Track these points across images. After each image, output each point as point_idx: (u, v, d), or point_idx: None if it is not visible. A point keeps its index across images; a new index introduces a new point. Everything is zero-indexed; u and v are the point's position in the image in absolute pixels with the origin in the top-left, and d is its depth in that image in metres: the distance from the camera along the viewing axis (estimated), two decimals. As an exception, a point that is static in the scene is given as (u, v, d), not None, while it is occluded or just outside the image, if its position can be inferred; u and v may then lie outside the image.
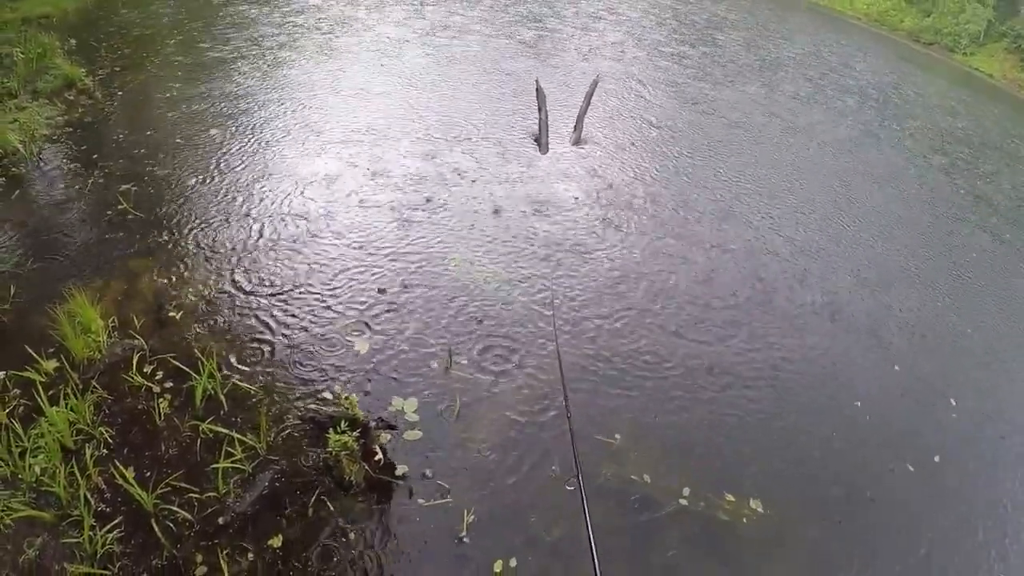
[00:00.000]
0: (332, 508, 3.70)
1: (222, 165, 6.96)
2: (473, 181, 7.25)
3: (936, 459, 5.09)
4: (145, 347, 4.46)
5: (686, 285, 6.24)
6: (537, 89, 8.98)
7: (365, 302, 5.23)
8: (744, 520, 4.14)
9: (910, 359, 6.11)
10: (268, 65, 9.93)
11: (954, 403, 5.75)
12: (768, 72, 14.64)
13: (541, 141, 8.24)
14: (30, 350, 4.28)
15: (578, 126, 8.78)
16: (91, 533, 3.43)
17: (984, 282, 8.00)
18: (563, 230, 6.69)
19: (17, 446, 3.79)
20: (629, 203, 7.46)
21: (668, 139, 9.54)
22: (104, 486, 3.69)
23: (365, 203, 6.56)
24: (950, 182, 11.15)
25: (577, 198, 7.30)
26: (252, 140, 7.59)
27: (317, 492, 3.75)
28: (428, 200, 6.70)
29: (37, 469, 3.74)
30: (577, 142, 8.58)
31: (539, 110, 8.66)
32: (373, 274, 5.57)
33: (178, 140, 7.29)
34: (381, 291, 5.25)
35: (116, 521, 3.52)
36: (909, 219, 9.16)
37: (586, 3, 17.29)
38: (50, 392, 3.99)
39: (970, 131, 14.59)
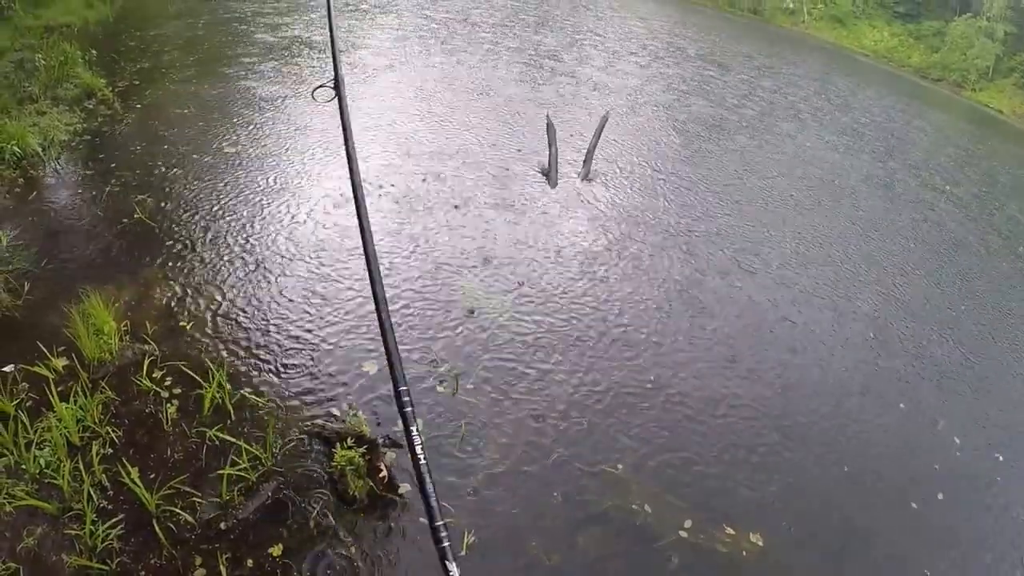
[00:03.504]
0: (334, 521, 3.98)
1: (236, 181, 7.50)
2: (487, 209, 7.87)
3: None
4: (156, 353, 4.84)
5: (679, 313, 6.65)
6: (548, 124, 9.69)
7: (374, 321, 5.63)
8: (743, 553, 4.45)
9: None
10: (284, 87, 10.65)
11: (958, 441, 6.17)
12: (778, 114, 15.50)
13: (551, 175, 8.85)
14: (41, 346, 4.67)
15: (587, 161, 9.40)
16: (92, 527, 3.72)
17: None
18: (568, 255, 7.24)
19: (23, 438, 4.13)
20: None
21: (674, 182, 10.18)
22: (108, 484, 4.00)
23: (382, 226, 7.09)
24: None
25: (581, 232, 7.89)
26: (266, 158, 8.17)
27: (320, 505, 4.04)
28: (452, 211, 7.33)
29: (42, 461, 4.07)
30: (586, 177, 9.19)
31: (549, 145, 9.33)
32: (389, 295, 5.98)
33: (194, 155, 7.86)
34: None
35: (118, 518, 3.81)
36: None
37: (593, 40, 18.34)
38: (59, 389, 4.35)
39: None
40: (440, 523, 1.83)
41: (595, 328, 6.22)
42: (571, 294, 6.68)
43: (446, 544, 1.84)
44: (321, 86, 3.14)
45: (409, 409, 2.01)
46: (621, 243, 7.85)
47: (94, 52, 10.92)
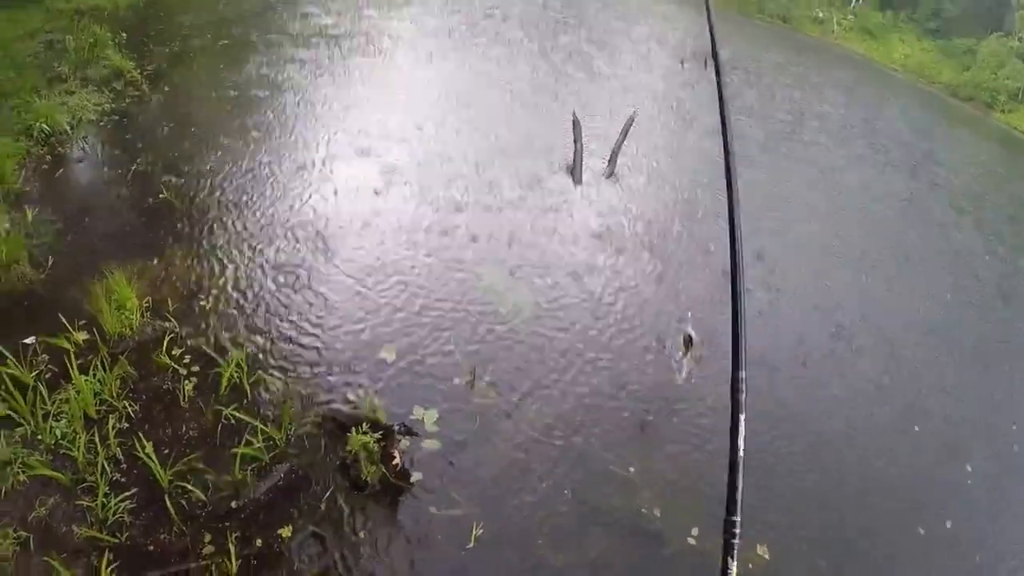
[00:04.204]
0: (345, 505, 4.03)
1: (261, 165, 7.58)
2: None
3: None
4: (176, 330, 4.92)
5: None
6: (574, 122, 9.82)
7: (395, 310, 5.70)
8: (749, 565, 4.40)
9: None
10: (313, 75, 10.77)
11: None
12: (806, 125, 15.34)
13: (575, 172, 9.02)
14: (63, 319, 4.75)
15: (612, 160, 9.61)
16: (104, 500, 3.78)
17: None
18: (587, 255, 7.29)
19: (41, 408, 4.21)
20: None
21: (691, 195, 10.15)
22: (122, 457, 4.07)
23: (400, 223, 7.12)
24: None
25: (603, 231, 7.92)
26: (292, 144, 8.26)
27: (332, 488, 4.09)
28: (459, 210, 7.35)
29: (58, 433, 4.14)
30: (610, 175, 9.42)
31: (574, 142, 9.49)
32: (408, 284, 6.08)
33: (221, 138, 7.95)
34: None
35: (130, 492, 3.88)
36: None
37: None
38: (79, 362, 4.43)
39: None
40: (736, 518, 1.83)
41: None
42: (580, 286, 6.78)
43: (736, 541, 1.83)
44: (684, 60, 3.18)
45: (743, 396, 1.98)
46: (635, 242, 7.90)
47: (124, 35, 11.11)
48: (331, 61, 11.41)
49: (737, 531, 1.92)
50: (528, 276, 6.66)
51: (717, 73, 2.90)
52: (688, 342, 6.38)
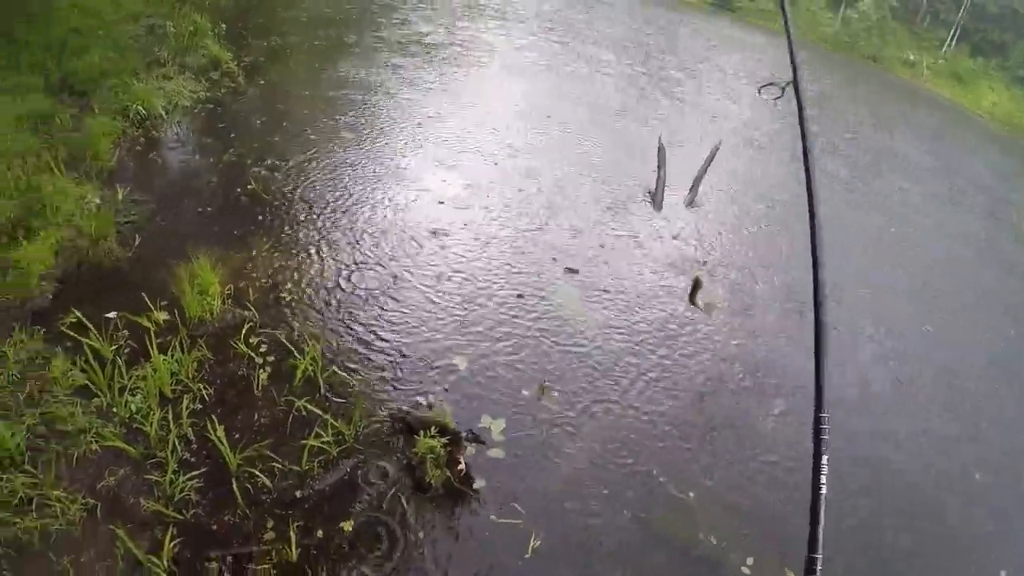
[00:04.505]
0: (407, 505, 4.44)
1: (350, 165, 8.40)
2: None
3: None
4: (255, 319, 5.52)
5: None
6: (659, 147, 10.42)
7: (469, 320, 6.21)
8: None
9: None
10: (406, 81, 11.76)
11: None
12: (886, 163, 15.30)
13: (656, 197, 9.63)
14: (146, 298, 5.44)
15: (694, 188, 10.17)
16: (173, 476, 4.29)
17: None
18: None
19: (118, 382, 4.84)
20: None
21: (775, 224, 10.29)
22: (193, 438, 4.60)
23: (479, 235, 7.69)
24: None
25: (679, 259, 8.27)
26: (380, 147, 9.11)
27: (396, 488, 4.52)
28: (537, 227, 7.84)
29: (132, 407, 4.71)
30: (691, 204, 9.98)
31: (658, 168, 10.12)
32: (483, 296, 6.60)
33: (311, 135, 8.87)
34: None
35: (198, 472, 4.38)
36: None
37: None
38: (158, 341, 5.06)
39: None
40: (818, 556, 2.13)
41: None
42: (652, 311, 7.14)
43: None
44: (770, 84, 3.61)
45: (825, 437, 2.30)
46: (710, 272, 8.23)
47: (223, 26, 12.45)
48: (423, 69, 12.50)
49: (818, 568, 2.16)
50: (602, 297, 7.12)
51: (800, 109, 3.18)
52: (697, 285, 7.26)
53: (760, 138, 13.67)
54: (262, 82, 10.22)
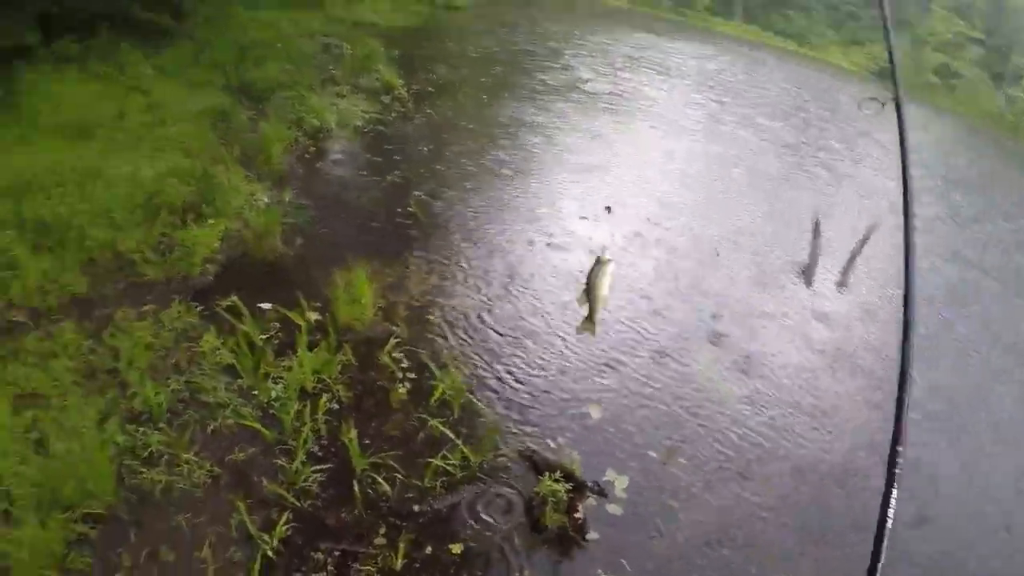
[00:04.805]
0: (518, 542, 4.93)
1: (506, 202, 9.45)
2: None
3: None
4: (402, 335, 6.32)
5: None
6: (815, 223, 11.00)
7: (609, 372, 6.80)
8: None
9: None
10: (566, 125, 12.98)
11: None
12: None
13: (808, 275, 10.05)
14: (301, 296, 6.40)
15: (847, 270, 10.52)
16: (299, 466, 5.02)
17: None
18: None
19: (263, 369, 5.75)
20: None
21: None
22: (325, 434, 5.36)
23: (625, 290, 8.25)
24: None
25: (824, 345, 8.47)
26: (535, 188, 10.18)
27: (511, 523, 5.04)
28: (679, 290, 8.32)
29: (273, 394, 5.50)
30: (842, 285, 10.24)
31: (812, 243, 10.69)
32: (625, 351, 7.18)
33: (471, 168, 10.06)
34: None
35: (324, 467, 5.11)
36: None
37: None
38: (307, 338, 5.96)
39: None
40: None
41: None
42: (790, 393, 7.40)
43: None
44: (872, 99, 4.13)
45: (898, 471, 2.70)
46: (854, 364, 8.30)
47: (396, 52, 14.15)
48: (583, 115, 13.78)
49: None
50: (740, 369, 7.47)
51: (901, 132, 3.54)
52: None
53: (918, 224, 13.60)
54: (429, 111, 11.57)
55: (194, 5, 13.22)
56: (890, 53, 4.15)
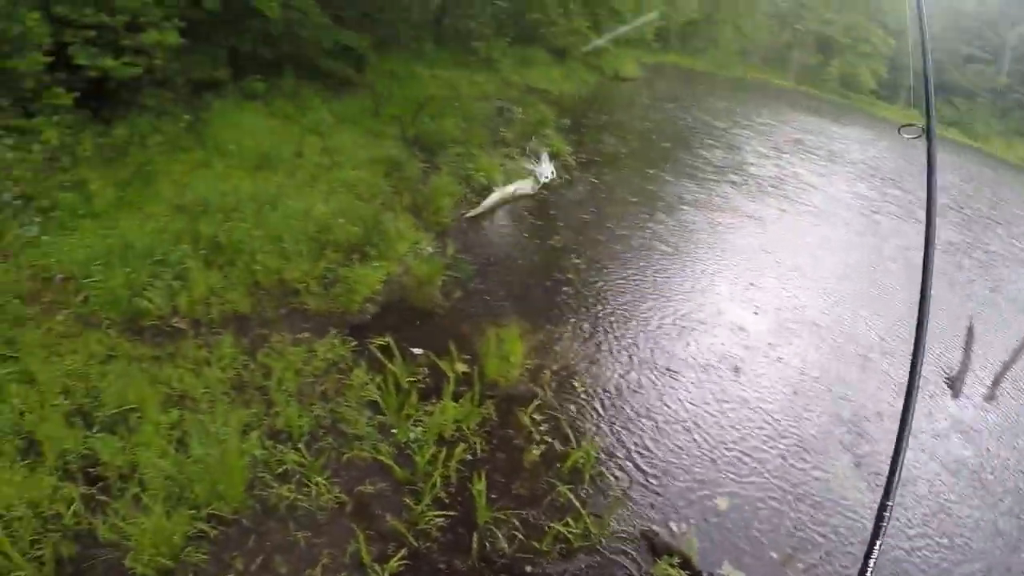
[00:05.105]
0: None
1: (661, 279, 9.47)
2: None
3: None
4: (544, 398, 6.41)
5: None
6: (968, 328, 10.43)
7: (741, 468, 6.61)
8: None
9: None
10: (730, 207, 13.00)
11: None
12: None
13: (956, 383, 9.51)
14: (452, 346, 6.62)
15: (999, 380, 9.92)
16: (424, 508, 5.08)
17: None
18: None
19: (405, 411, 5.99)
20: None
21: None
22: (454, 481, 5.48)
23: (769, 381, 8.10)
24: None
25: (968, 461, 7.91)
26: (690, 268, 10.23)
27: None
28: (818, 390, 7.98)
29: (411, 435, 5.67)
30: (991, 399, 9.62)
31: (964, 350, 10.11)
32: (760, 449, 6.97)
33: (631, 241, 10.19)
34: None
35: (448, 513, 5.18)
36: None
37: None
38: (452, 388, 6.18)
39: None
40: None
41: None
42: (926, 507, 7.02)
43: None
44: (910, 125, 4.17)
45: (885, 524, 2.79)
46: (1003, 484, 7.79)
47: (566, 121, 14.69)
48: (744, 197, 13.89)
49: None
50: (876, 480, 7.10)
51: (929, 156, 3.37)
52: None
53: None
54: (594, 179, 11.90)
55: (377, 59, 14.21)
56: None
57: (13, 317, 5.85)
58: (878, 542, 2.69)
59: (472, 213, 9.74)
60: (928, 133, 3.62)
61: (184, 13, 9.28)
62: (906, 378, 3.68)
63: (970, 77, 41.92)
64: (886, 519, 2.75)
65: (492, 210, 9.96)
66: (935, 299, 10.27)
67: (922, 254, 3.38)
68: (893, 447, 2.93)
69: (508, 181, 10.55)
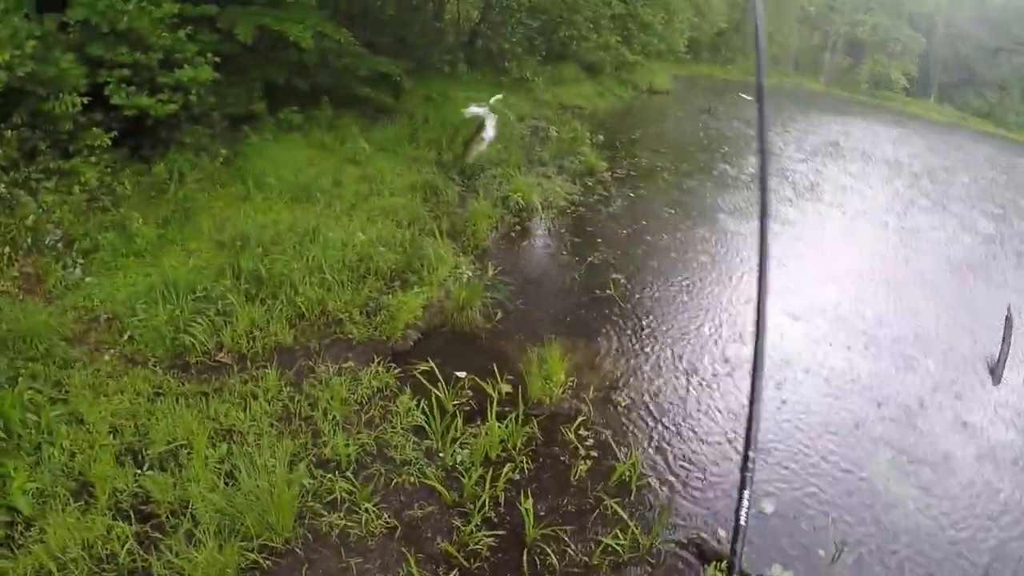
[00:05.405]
0: None
1: (702, 291, 9.49)
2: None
3: None
4: (588, 415, 6.46)
5: None
6: (1007, 316, 10.26)
7: (786, 469, 6.64)
8: None
9: None
10: (772, 212, 12.91)
11: None
12: None
13: (997, 370, 9.52)
14: (495, 368, 6.69)
15: (1000, 363, 9.74)
16: (474, 528, 5.12)
17: None
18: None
19: (451, 434, 6.07)
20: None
21: None
22: (503, 501, 5.56)
23: (812, 385, 8.13)
24: None
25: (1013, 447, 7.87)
26: (729, 278, 10.21)
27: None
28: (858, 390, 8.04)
29: (458, 458, 5.74)
30: (998, 380, 9.54)
31: (1003, 339, 9.97)
32: (803, 451, 6.98)
33: (672, 254, 10.26)
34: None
35: (497, 532, 5.23)
36: None
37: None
38: (496, 409, 6.23)
39: None
40: None
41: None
42: (969, 494, 6.97)
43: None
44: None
45: (750, 474, 2.84)
46: None
47: (601, 137, 14.78)
48: (783, 203, 13.97)
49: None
50: (919, 471, 7.06)
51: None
52: None
53: None
54: (631, 195, 11.96)
55: (413, 85, 14.42)
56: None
57: (60, 359, 6.02)
58: (746, 491, 2.74)
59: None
60: (758, 92, 3.71)
61: (218, 48, 9.51)
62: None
63: (1000, 69, 41.39)
64: (751, 469, 2.79)
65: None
66: (972, 290, 10.21)
67: (759, 202, 3.36)
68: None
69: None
